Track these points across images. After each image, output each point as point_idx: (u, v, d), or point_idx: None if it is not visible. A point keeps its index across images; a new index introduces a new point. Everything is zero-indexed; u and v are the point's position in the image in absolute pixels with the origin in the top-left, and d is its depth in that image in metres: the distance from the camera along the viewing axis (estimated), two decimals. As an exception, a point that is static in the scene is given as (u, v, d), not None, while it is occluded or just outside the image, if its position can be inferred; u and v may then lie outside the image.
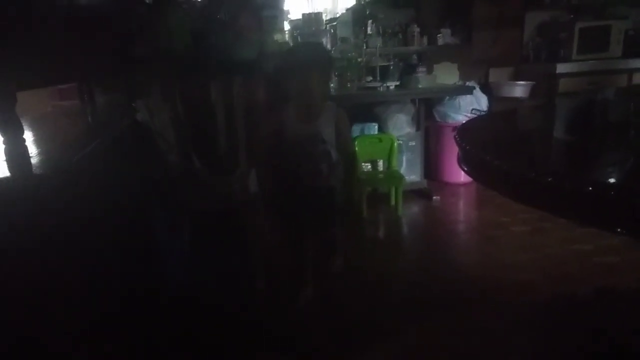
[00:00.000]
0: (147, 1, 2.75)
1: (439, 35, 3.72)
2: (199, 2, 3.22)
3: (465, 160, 1.30)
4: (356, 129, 3.27)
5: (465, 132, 1.43)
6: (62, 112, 2.47)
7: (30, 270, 0.95)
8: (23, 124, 1.01)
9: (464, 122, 3.21)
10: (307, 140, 1.73)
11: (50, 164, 1.13)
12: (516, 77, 3.96)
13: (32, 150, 1.22)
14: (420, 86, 3.23)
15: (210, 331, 1.78)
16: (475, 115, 3.54)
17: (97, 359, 1.19)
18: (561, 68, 3.57)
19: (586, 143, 1.16)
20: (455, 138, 1.38)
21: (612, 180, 0.94)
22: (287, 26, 3.56)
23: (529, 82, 3.73)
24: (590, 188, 0.88)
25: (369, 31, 3.59)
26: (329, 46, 3.63)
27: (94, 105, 2.19)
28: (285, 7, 3.60)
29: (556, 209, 0.97)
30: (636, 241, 0.83)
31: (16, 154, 0.98)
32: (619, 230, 0.82)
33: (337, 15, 3.92)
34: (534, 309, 1.98)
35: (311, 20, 3.47)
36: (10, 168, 0.98)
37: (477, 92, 3.55)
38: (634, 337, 1.68)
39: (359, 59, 3.30)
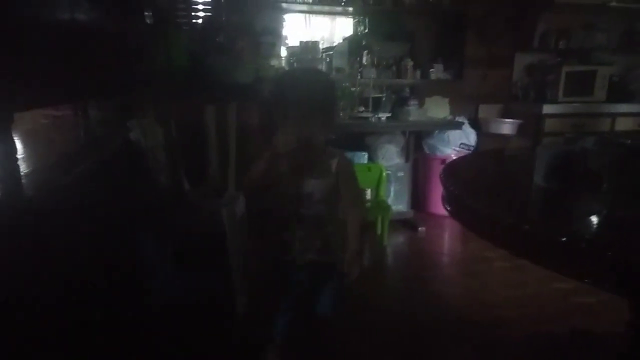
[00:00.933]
0: (148, 21, 2.80)
1: (431, 70, 3.82)
2: (199, 24, 3.30)
3: (448, 201, 1.33)
4: (346, 157, 3.32)
5: (450, 172, 1.47)
6: (55, 124, 2.48)
7: (22, 288, 0.95)
8: (14, 136, 1.03)
9: (451, 159, 3.29)
10: (295, 199, 1.29)
11: (41, 183, 1.15)
12: (505, 114, 4.07)
13: (22, 167, 1.22)
14: (411, 119, 3.31)
15: (193, 353, 1.77)
16: (464, 150, 3.62)
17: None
18: (547, 109, 3.68)
19: (564, 192, 1.21)
20: (440, 177, 1.42)
21: (584, 232, 0.99)
22: (284, 52, 3.64)
23: (516, 120, 3.83)
24: (564, 239, 0.92)
25: (364, 62, 3.68)
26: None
27: (87, 119, 2.20)
28: (283, 33, 3.69)
29: (531, 255, 1.00)
30: (603, 291, 0.88)
31: (8, 176, 0.99)
32: (585, 280, 0.86)
33: (334, 45, 4.01)
34: (509, 346, 2.00)
35: (308, 48, 3.55)
36: (1, 188, 0.99)
37: (466, 127, 3.64)
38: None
39: (353, 89, 3.38)
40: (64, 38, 1.43)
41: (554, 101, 3.76)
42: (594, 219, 1.04)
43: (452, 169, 1.58)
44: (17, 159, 1.02)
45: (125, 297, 1.68)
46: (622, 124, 3.80)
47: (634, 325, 1.44)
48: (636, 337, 1.44)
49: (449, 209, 1.33)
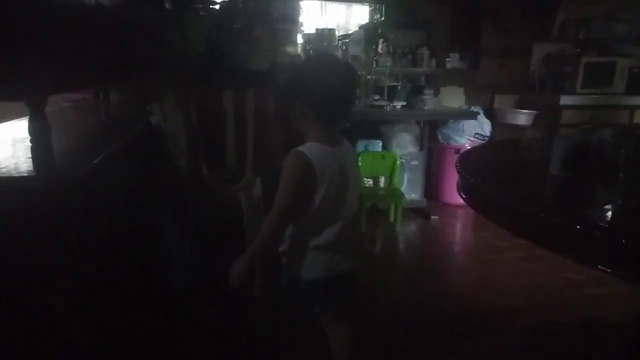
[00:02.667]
0: (167, 6, 2.83)
1: (447, 59, 3.80)
2: (215, 10, 3.31)
3: (464, 189, 1.36)
4: (360, 145, 3.34)
5: (466, 160, 1.49)
6: (76, 108, 2.54)
7: (49, 265, 1.01)
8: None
9: (466, 148, 3.29)
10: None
11: (67, 167, 1.19)
12: (520, 105, 4.03)
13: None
14: (426, 108, 3.31)
15: (208, 335, 1.83)
16: (478, 140, 3.61)
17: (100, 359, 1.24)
18: (565, 100, 3.65)
19: (579, 181, 1.22)
20: (456, 166, 1.44)
21: (598, 220, 1.00)
22: (300, 39, 3.64)
23: (532, 111, 3.80)
24: (578, 226, 0.94)
25: (379, 50, 3.67)
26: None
27: (108, 103, 2.26)
28: (300, 20, 3.69)
29: (545, 242, 1.02)
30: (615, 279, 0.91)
31: (44, 155, 1.04)
32: (599, 267, 0.88)
33: (350, 32, 4.01)
34: (519, 334, 2.03)
35: (324, 35, 3.55)
36: (36, 168, 1.04)
37: (481, 117, 3.63)
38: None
39: (369, 77, 3.38)
40: (87, 22, 1.46)
41: (571, 92, 3.71)
42: (609, 209, 1.05)
43: (468, 158, 1.60)
44: (51, 139, 1.07)
45: (145, 278, 1.74)
46: (641, 117, 3.76)
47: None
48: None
49: (464, 196, 1.36)
